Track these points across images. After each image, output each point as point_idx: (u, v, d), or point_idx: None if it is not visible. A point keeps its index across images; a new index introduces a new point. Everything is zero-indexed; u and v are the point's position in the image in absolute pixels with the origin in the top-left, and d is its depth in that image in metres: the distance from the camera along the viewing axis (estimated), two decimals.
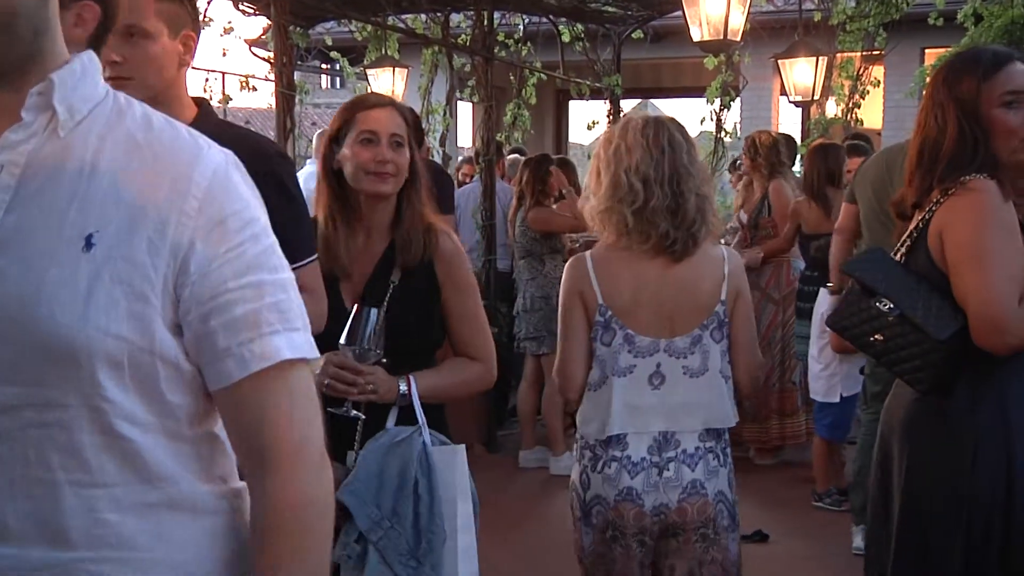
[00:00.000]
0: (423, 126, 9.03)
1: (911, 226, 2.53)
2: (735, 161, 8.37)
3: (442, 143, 9.16)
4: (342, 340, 2.43)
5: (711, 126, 8.95)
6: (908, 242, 2.52)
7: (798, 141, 8.30)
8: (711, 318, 2.77)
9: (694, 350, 2.76)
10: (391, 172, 2.58)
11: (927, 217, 2.46)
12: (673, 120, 2.85)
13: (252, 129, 2.32)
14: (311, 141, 8.34)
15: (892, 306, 2.43)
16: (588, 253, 2.86)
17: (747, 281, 2.87)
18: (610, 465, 2.76)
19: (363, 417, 2.51)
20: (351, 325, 2.44)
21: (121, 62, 2.16)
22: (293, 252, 2.04)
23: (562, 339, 2.84)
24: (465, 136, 12.86)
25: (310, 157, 8.03)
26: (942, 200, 2.44)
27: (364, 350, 2.44)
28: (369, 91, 8.83)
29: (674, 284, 2.76)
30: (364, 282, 2.63)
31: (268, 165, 2.18)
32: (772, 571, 4.72)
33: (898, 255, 2.54)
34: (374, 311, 2.44)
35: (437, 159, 8.96)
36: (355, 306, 2.48)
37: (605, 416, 2.76)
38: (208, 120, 2.31)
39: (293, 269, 2.08)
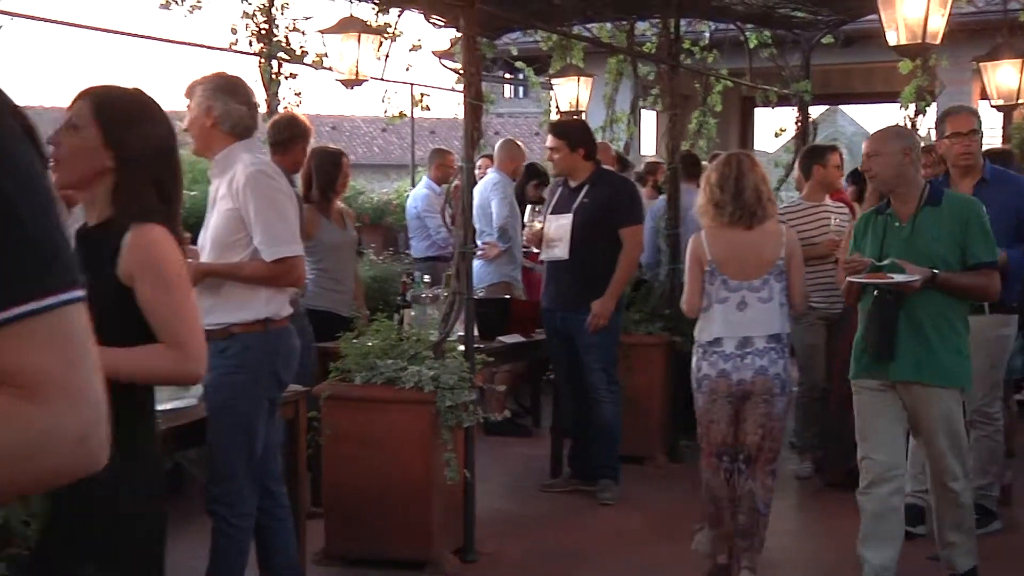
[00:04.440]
0: (607, 135, 9.06)
1: None
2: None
3: (626, 151, 9.14)
4: None
5: None
6: None
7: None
8: (774, 268, 4.59)
9: (764, 287, 4.57)
10: None
11: None
12: (747, 153, 4.83)
13: None
14: (493, 149, 8.46)
15: None
16: (702, 231, 4.67)
17: (800, 246, 4.74)
18: (712, 356, 4.59)
19: None
20: None
21: None
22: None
23: (688, 282, 4.70)
24: (649, 144, 12.79)
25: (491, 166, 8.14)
26: None
27: None
28: (553, 101, 8.91)
29: (750, 248, 4.61)
30: None
31: None
32: None
33: None
34: None
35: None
36: None
37: (711, 328, 4.60)
38: None
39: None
